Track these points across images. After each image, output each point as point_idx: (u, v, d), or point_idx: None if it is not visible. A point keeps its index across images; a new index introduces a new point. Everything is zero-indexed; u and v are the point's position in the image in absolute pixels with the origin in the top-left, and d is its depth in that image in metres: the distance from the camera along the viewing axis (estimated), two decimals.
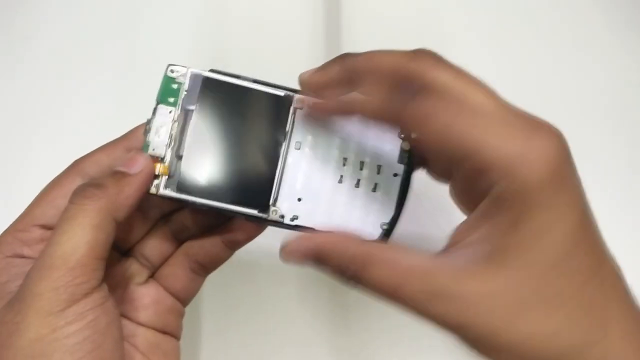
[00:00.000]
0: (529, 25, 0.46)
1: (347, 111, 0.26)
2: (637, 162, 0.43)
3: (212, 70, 0.28)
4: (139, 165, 0.26)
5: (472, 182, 0.23)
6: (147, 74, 0.44)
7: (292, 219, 0.28)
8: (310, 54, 0.45)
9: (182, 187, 0.27)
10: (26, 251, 0.26)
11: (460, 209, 0.27)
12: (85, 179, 0.27)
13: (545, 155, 0.21)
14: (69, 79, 0.44)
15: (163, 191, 0.27)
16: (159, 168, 0.27)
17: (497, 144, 0.21)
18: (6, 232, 0.27)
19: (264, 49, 0.46)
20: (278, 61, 0.45)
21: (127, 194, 0.25)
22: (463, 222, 0.25)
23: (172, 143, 0.27)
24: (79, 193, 0.24)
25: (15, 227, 0.27)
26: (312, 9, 0.47)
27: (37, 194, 0.40)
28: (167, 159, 0.27)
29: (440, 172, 0.27)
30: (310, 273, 0.40)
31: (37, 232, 0.26)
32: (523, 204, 0.21)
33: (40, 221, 0.26)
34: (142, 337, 0.29)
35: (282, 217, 0.28)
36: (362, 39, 0.46)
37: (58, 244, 0.23)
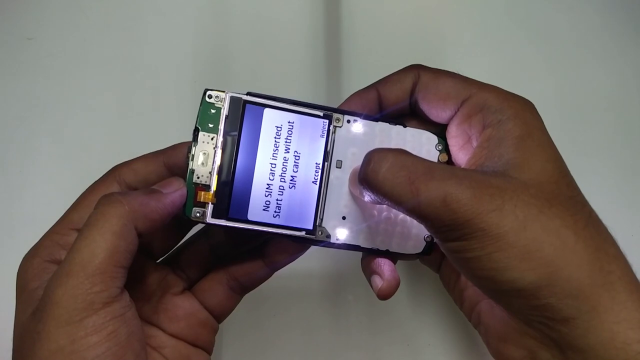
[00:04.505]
0: (528, 27, 0.47)
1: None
2: (636, 162, 0.44)
3: (249, 93, 0.27)
4: (171, 187, 0.26)
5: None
6: (149, 74, 0.44)
7: (338, 238, 0.28)
8: (310, 52, 0.45)
9: (229, 214, 0.27)
10: (63, 255, 0.25)
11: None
12: (122, 185, 0.27)
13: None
14: (70, 79, 0.43)
15: (210, 219, 0.26)
16: (204, 196, 0.26)
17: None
18: (45, 235, 0.26)
19: (265, 49, 0.45)
20: (278, 61, 0.45)
21: (152, 207, 0.24)
22: None
23: (217, 170, 0.26)
24: (103, 200, 0.24)
25: (54, 230, 0.26)
26: (312, 8, 0.46)
27: (36, 193, 0.39)
28: (213, 187, 0.26)
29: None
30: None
31: (75, 236, 0.25)
32: None
33: (78, 225, 0.26)
34: (173, 348, 0.28)
35: (329, 236, 0.28)
36: (361, 39, 0.46)
37: (77, 251, 0.22)
